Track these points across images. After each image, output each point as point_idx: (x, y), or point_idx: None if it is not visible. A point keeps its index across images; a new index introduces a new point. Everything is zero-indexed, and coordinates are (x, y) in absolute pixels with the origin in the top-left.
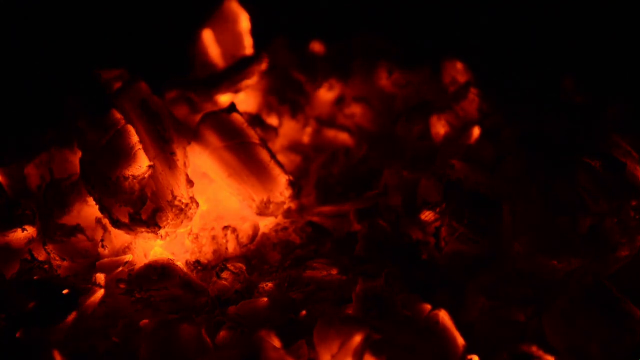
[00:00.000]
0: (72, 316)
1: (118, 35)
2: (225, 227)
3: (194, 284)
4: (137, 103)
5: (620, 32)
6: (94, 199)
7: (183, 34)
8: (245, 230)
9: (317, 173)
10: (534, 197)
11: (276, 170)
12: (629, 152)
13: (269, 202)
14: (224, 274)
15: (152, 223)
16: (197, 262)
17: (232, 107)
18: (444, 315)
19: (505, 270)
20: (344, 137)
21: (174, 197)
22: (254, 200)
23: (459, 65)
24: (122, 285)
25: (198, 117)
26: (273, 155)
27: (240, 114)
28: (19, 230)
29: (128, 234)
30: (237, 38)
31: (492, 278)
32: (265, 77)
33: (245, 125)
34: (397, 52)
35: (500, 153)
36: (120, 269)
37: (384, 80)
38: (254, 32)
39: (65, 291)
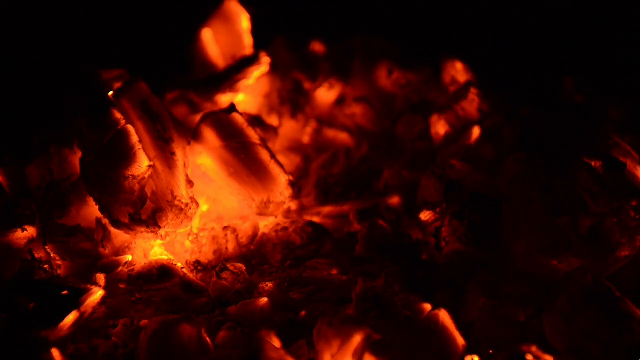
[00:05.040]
0: (72, 316)
1: (118, 35)
2: (226, 227)
3: (194, 284)
4: (137, 103)
5: (620, 32)
6: (94, 199)
7: (183, 34)
8: (245, 230)
9: (317, 173)
10: (534, 197)
11: (276, 170)
12: (629, 152)
13: (269, 202)
14: (224, 274)
15: (152, 223)
16: (198, 262)
17: (232, 107)
18: (444, 315)
19: (505, 270)
20: (344, 137)
21: (174, 197)
22: (254, 200)
23: (459, 65)
24: (122, 285)
25: (198, 117)
26: (273, 155)
27: (240, 114)
28: (19, 230)
29: (128, 234)
30: (237, 38)
31: (492, 278)
32: (265, 77)
33: (245, 125)
34: (397, 52)
35: (500, 153)
36: (120, 269)
37: (384, 80)
38: (254, 32)
39: (64, 292)
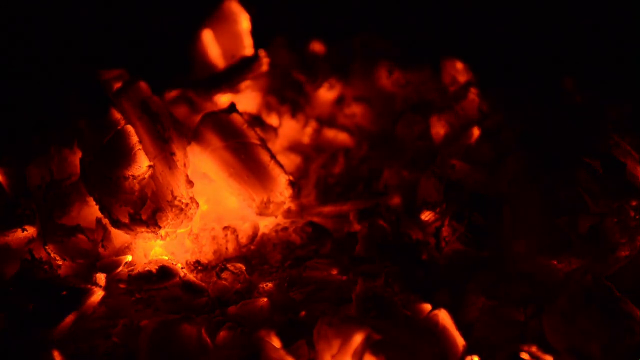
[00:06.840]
0: (72, 316)
1: (118, 35)
2: (226, 228)
3: (194, 284)
4: (137, 103)
5: (620, 32)
6: (94, 199)
7: (183, 34)
8: (245, 230)
9: (317, 173)
10: (534, 197)
11: (276, 170)
12: (629, 152)
13: (269, 202)
14: (224, 274)
15: (152, 223)
16: (198, 262)
17: (232, 107)
18: (444, 315)
19: (505, 270)
20: (344, 137)
21: (174, 197)
22: (254, 200)
23: (459, 65)
24: (122, 285)
25: (198, 117)
26: (273, 156)
27: (240, 114)
28: (19, 230)
29: (128, 234)
30: (237, 38)
31: (492, 278)
32: (265, 77)
33: (245, 125)
34: (397, 52)
35: (500, 153)
36: (120, 269)
37: (384, 80)
38: (254, 32)
39: (64, 292)
